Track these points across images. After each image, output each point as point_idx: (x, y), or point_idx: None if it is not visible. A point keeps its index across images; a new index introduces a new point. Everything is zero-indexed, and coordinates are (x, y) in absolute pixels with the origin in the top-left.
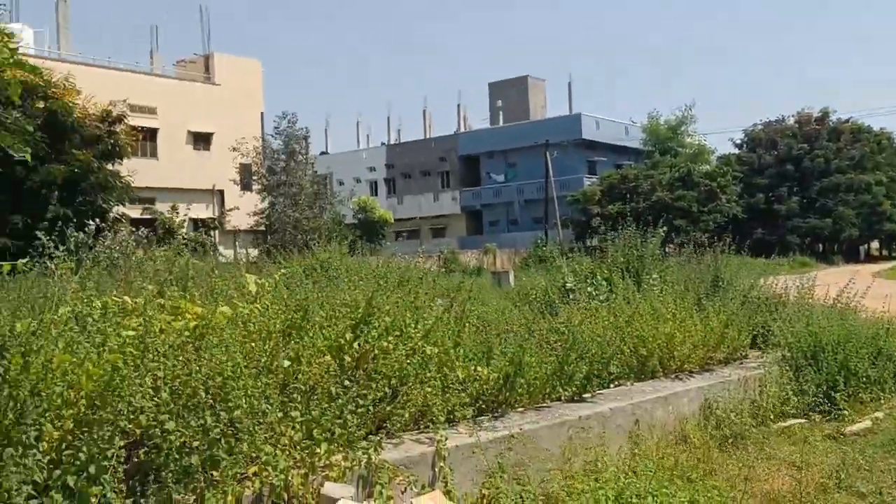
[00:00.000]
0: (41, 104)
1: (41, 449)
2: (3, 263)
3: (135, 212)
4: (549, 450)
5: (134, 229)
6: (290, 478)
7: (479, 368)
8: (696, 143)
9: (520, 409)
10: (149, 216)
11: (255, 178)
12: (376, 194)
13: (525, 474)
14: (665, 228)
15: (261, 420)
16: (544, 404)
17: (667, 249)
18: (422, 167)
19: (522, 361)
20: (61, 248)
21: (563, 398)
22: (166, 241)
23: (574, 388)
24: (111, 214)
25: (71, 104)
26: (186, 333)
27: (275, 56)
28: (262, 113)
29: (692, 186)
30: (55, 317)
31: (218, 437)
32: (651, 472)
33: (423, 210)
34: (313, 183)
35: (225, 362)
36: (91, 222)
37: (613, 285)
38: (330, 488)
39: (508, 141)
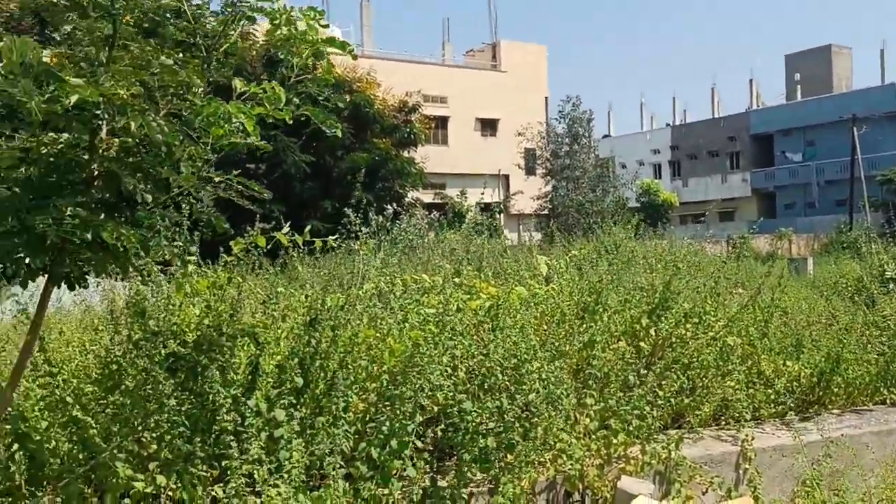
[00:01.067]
0: (347, 97)
1: (348, 420)
2: (317, 240)
3: (427, 196)
4: (874, 460)
5: (427, 213)
6: (585, 468)
7: (787, 363)
8: None
9: (835, 412)
10: (439, 201)
11: (538, 162)
12: (660, 177)
13: (843, 485)
14: None
15: (556, 406)
16: (865, 407)
17: None
18: (709, 148)
19: (840, 357)
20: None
21: (888, 401)
22: (456, 224)
23: None
24: (406, 199)
25: (372, 96)
26: (481, 313)
27: (559, 39)
28: (546, 97)
29: None
30: (360, 293)
31: (513, 420)
32: None
33: (709, 193)
34: (596, 166)
35: (520, 344)
36: (389, 207)
37: None
38: (627, 482)
39: (807, 117)
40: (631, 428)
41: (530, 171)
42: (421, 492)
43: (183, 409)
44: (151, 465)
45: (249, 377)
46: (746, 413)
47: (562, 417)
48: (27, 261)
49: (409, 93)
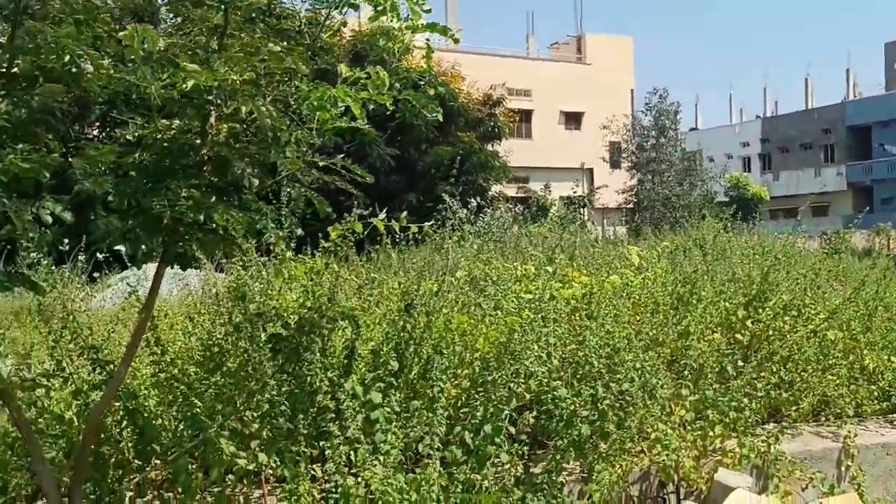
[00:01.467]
0: (432, 91)
1: (443, 405)
2: (412, 226)
3: (511, 190)
4: None
5: (511, 206)
6: (680, 459)
7: (892, 359)
8: None
9: None
10: (523, 194)
11: (623, 155)
12: (749, 170)
13: None
14: None
15: (652, 395)
16: None
17: None
18: (802, 140)
19: None
20: (451, 222)
21: None
22: (540, 218)
23: None
24: (490, 193)
25: (457, 90)
26: (574, 301)
27: (645, 30)
28: (631, 90)
29: None
30: (453, 279)
31: (608, 409)
32: None
33: (801, 187)
34: (683, 160)
35: (615, 333)
36: (473, 200)
37: None
38: (724, 475)
39: None
40: (728, 420)
41: (615, 164)
42: (514, 478)
43: (283, 389)
44: (253, 444)
45: (345, 360)
46: (849, 409)
47: (657, 407)
48: (143, 242)
49: (494, 86)
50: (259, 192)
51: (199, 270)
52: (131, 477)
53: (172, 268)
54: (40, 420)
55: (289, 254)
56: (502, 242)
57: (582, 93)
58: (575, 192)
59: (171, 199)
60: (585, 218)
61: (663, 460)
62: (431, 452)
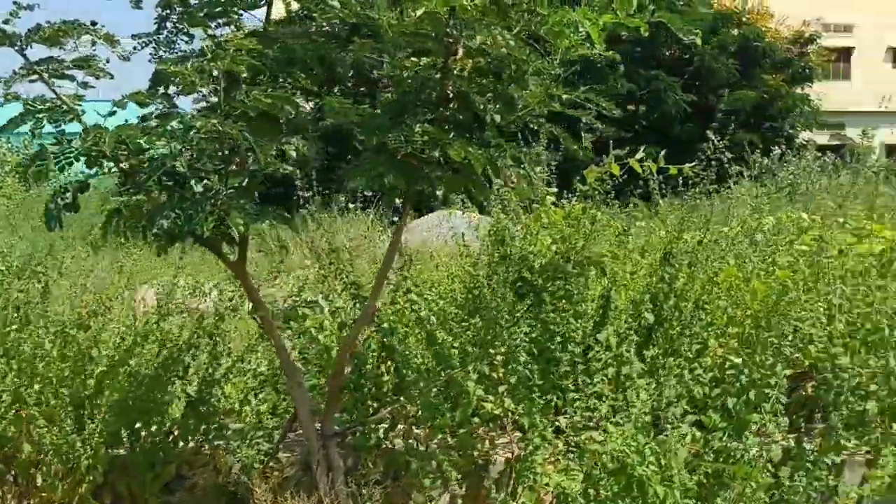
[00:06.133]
0: (735, 31)
1: (704, 365)
2: (672, 167)
3: (822, 138)
4: None
5: (820, 155)
6: None
7: None
8: None
9: None
10: (837, 142)
11: None
12: None
13: None
14: None
15: None
16: None
17: None
18: None
19: None
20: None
21: None
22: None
23: None
24: (798, 140)
25: (763, 28)
26: (871, 258)
27: None
28: None
29: None
30: (725, 230)
31: None
32: None
33: None
34: None
35: None
36: (777, 148)
37: None
38: None
39: None
40: None
41: None
42: (783, 452)
43: (533, 336)
44: (500, 388)
45: (601, 311)
46: None
47: None
48: (384, 179)
49: (807, 22)
50: (504, 128)
51: (464, 214)
52: (386, 409)
53: (421, 210)
54: (307, 350)
55: (550, 199)
56: (806, 195)
57: None
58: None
59: (406, 135)
60: None
61: None
62: (679, 415)
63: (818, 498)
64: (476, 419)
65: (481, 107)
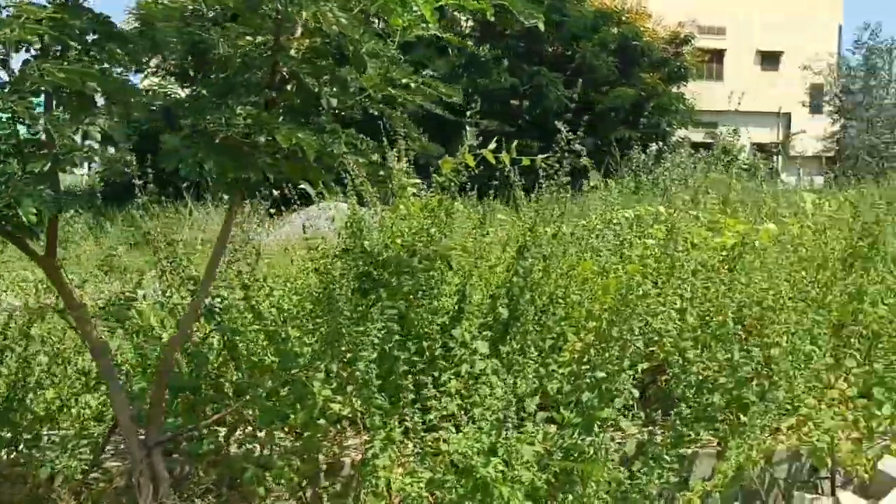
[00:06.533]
0: (615, 30)
1: (559, 360)
2: (524, 158)
3: (697, 135)
4: None
5: (693, 152)
6: (837, 441)
7: None
8: None
9: None
10: (710, 140)
11: (826, 99)
12: None
13: None
14: None
15: (802, 364)
16: None
17: None
18: None
19: None
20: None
21: None
22: (726, 165)
23: None
24: (673, 138)
25: (642, 28)
26: (723, 252)
27: None
28: (839, 26)
29: None
30: (582, 223)
31: (748, 376)
32: None
33: None
34: None
35: (765, 290)
36: (654, 145)
37: None
38: (890, 465)
39: None
40: None
41: (816, 109)
42: (636, 447)
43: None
44: (350, 388)
45: (457, 306)
46: None
47: (808, 379)
48: (202, 164)
49: (682, 23)
50: (340, 113)
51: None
52: (224, 413)
53: (253, 198)
54: (144, 351)
55: (411, 189)
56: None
57: (782, 30)
58: (767, 140)
59: (227, 118)
60: (778, 166)
61: (814, 441)
62: (532, 412)
63: (667, 493)
64: (323, 421)
65: (316, 90)
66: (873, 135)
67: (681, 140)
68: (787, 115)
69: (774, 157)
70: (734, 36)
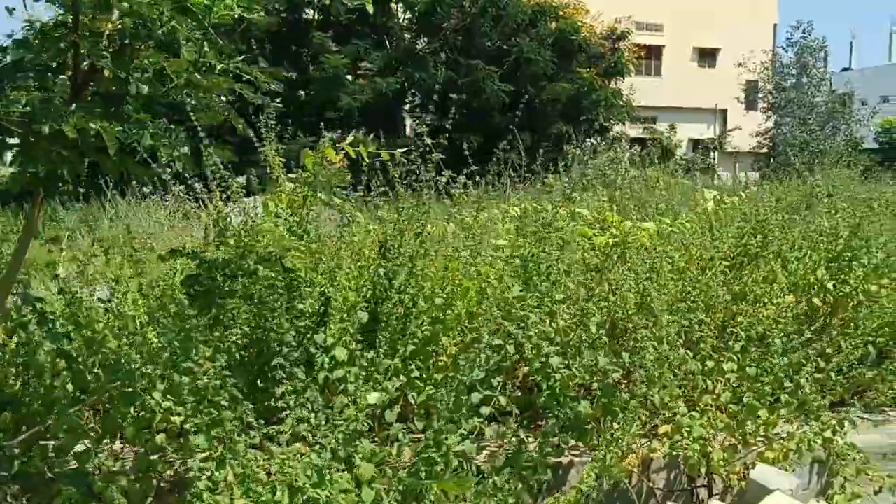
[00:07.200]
0: (553, 24)
1: (423, 366)
2: (381, 152)
3: (635, 131)
4: None
5: (629, 147)
6: (709, 448)
7: None
8: None
9: None
10: (647, 136)
11: (760, 95)
12: None
13: None
14: None
15: (672, 367)
16: None
17: None
18: None
19: None
20: (559, 163)
21: None
22: (663, 161)
23: None
24: (611, 133)
25: (580, 23)
26: (604, 251)
27: None
28: (774, 24)
29: None
30: (454, 223)
31: (617, 382)
32: None
33: None
34: (829, 101)
35: (635, 290)
36: (591, 140)
37: None
38: (763, 473)
39: None
40: (778, 403)
41: (751, 105)
42: (505, 457)
43: (231, 340)
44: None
45: (321, 311)
46: None
47: (682, 383)
48: None
49: (619, 19)
50: (151, 101)
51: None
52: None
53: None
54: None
55: (289, 186)
56: (609, 186)
57: (719, 27)
58: (704, 135)
59: (2, 104)
60: (714, 161)
61: (685, 449)
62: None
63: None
64: (162, 436)
65: (124, 75)
66: (805, 131)
67: (619, 135)
68: (724, 112)
69: (711, 153)
70: (672, 32)
